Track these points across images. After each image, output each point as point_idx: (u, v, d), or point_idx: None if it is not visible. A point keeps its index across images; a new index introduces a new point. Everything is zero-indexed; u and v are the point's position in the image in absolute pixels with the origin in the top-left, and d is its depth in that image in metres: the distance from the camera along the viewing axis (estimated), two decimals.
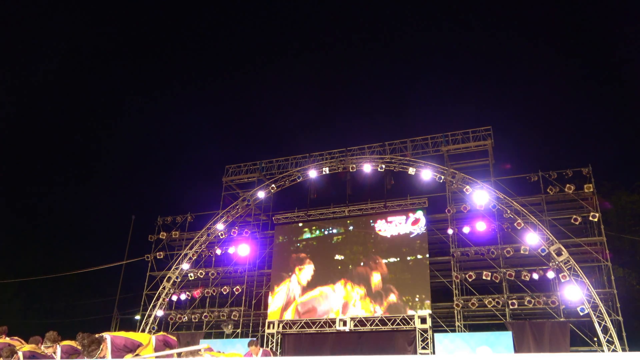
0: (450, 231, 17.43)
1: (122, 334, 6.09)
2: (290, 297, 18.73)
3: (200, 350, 6.93)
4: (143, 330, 18.79)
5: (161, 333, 7.17)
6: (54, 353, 6.82)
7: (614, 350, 13.90)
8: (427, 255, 17.23)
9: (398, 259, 17.65)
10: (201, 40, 50.68)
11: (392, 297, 17.10)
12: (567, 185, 16.33)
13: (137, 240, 22.98)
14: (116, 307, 22.20)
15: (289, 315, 18.31)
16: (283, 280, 19.13)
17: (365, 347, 16.71)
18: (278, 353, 16.85)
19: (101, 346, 5.54)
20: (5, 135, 36.48)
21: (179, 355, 6.73)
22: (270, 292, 19.15)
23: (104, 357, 5.58)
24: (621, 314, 14.83)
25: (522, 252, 16.16)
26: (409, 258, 17.56)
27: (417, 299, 16.83)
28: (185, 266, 20.33)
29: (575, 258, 15.62)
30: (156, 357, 5.99)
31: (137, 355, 5.71)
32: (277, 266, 19.52)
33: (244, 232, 20.57)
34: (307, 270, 18.99)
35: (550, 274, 15.84)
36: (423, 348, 15.95)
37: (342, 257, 18.68)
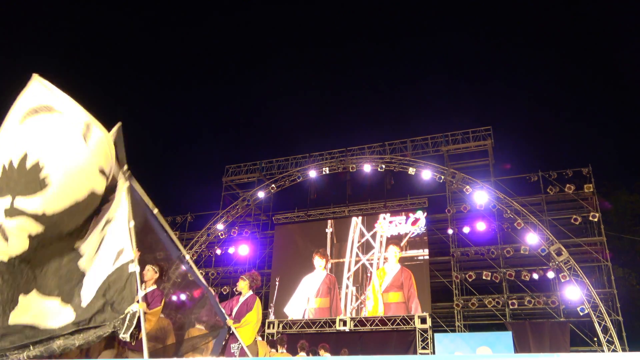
0: (450, 231, 17.44)
1: None
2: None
3: None
4: None
5: None
6: None
7: (614, 350, 13.90)
8: (427, 256, 17.22)
9: (398, 259, 17.62)
10: (201, 40, 50.67)
11: (392, 297, 17.09)
12: (567, 185, 16.33)
13: None
14: None
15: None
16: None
17: (365, 347, 16.70)
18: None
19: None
20: None
21: None
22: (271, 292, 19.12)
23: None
24: (621, 314, 14.84)
25: (522, 252, 16.15)
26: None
27: (417, 299, 16.81)
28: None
29: (575, 258, 15.62)
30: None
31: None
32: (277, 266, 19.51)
33: (244, 232, 20.56)
34: None
35: (550, 274, 15.85)
36: (423, 348, 15.93)
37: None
